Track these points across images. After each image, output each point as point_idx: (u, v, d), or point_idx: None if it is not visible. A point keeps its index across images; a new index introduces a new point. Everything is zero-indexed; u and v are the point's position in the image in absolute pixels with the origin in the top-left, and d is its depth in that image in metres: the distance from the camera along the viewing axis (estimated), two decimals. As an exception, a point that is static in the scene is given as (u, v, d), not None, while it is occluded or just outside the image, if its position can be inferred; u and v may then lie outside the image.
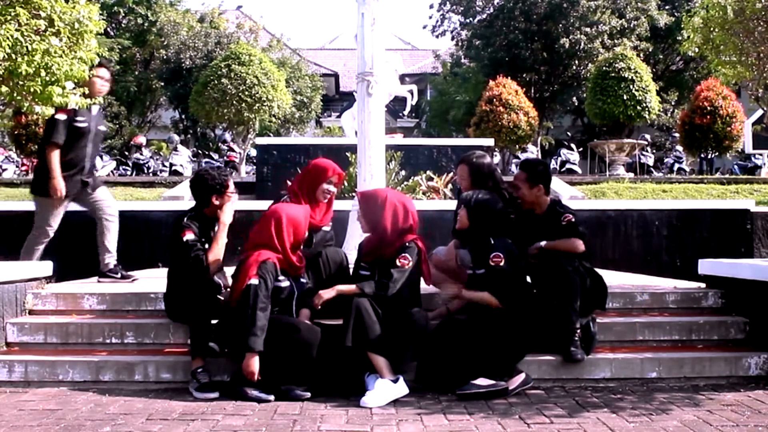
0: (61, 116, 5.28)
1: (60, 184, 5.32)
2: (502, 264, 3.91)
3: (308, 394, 3.69)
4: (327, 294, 3.94)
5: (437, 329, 3.98)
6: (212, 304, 3.96)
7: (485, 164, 4.43)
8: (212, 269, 4.07)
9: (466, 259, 4.45)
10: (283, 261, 3.89)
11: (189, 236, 4.06)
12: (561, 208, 4.30)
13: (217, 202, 4.18)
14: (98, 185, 5.66)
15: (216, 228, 4.18)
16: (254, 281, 3.71)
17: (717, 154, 15.44)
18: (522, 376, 3.85)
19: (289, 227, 3.92)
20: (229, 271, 4.10)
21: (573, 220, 4.21)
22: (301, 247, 4.07)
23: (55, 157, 5.33)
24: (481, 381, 3.71)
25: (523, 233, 4.25)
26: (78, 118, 5.39)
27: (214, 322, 3.99)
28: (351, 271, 4.32)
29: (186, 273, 4.06)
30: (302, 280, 4.06)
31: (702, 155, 15.94)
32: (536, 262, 4.17)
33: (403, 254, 3.95)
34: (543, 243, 4.15)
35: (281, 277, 3.89)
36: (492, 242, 3.98)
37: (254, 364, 3.66)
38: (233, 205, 4.24)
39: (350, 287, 3.96)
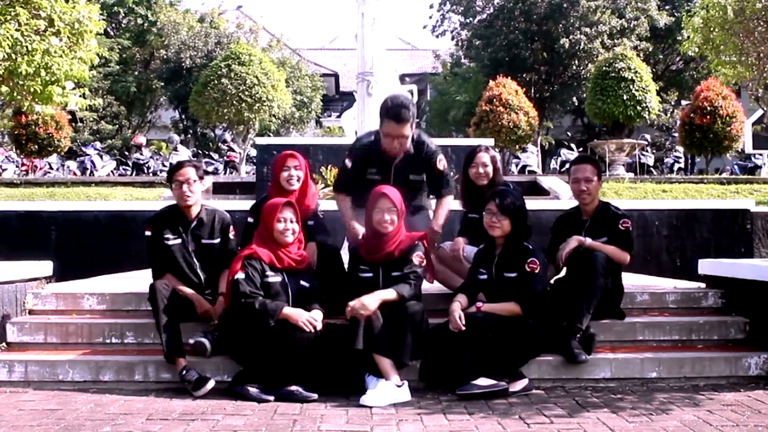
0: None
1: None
2: (537, 270, 3.92)
3: (315, 396, 3.63)
4: (373, 304, 3.78)
5: (439, 328, 3.97)
6: (175, 302, 3.93)
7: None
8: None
9: (472, 255, 4.44)
10: (268, 255, 3.91)
11: (147, 233, 4.16)
12: (616, 210, 4.32)
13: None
14: None
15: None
16: (239, 275, 3.81)
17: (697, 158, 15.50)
18: (525, 382, 3.83)
19: (262, 219, 4.02)
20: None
21: (630, 227, 4.24)
22: (296, 245, 4.02)
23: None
24: (482, 381, 3.70)
25: (565, 233, 4.33)
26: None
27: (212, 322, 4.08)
28: (346, 269, 4.30)
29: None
30: (302, 282, 3.99)
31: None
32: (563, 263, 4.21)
33: (417, 252, 4.00)
34: (588, 241, 4.19)
35: (269, 272, 3.89)
36: (530, 247, 4.00)
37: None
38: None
39: (391, 294, 3.86)
